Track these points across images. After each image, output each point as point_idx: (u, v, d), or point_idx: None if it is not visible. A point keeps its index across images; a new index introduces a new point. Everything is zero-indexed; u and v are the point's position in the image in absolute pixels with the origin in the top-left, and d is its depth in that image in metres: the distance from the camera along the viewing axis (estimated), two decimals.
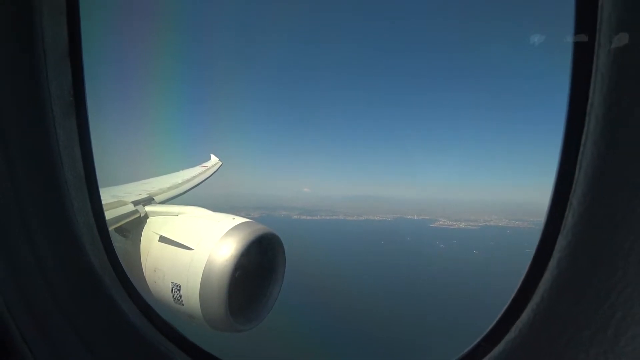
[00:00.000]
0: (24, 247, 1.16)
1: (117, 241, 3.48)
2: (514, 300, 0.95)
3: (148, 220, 3.67)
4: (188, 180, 7.23)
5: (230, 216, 3.39)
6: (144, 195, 4.60)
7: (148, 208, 3.88)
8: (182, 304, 3.02)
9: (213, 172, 9.08)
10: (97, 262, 1.33)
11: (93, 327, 1.30)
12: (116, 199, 3.93)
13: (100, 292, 1.32)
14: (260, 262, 3.26)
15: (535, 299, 0.88)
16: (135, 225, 3.58)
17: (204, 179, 8.06)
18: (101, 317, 1.33)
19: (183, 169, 8.70)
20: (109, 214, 3.25)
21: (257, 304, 3.31)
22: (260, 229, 3.20)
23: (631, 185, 0.71)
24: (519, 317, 0.92)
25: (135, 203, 3.91)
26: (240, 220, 3.29)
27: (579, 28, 0.78)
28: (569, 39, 0.82)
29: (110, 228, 3.02)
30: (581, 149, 0.76)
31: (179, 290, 3.02)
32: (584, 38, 0.77)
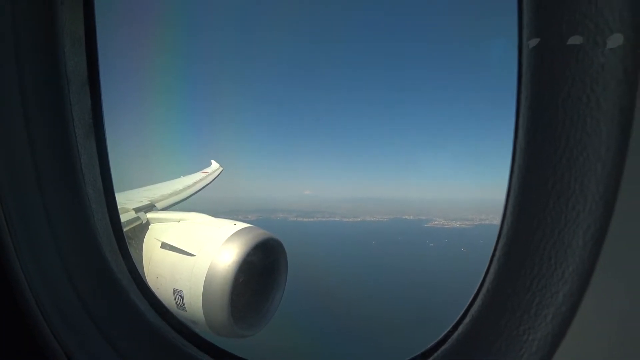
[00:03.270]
0: (53, 254, 1.25)
1: None
2: (475, 292, 1.13)
3: (150, 227, 3.59)
4: (189, 187, 7.14)
5: (232, 222, 3.32)
6: (145, 202, 4.51)
7: (149, 215, 3.80)
8: (184, 310, 2.94)
9: (214, 178, 9.00)
10: (115, 267, 1.42)
11: (114, 325, 1.38)
12: (118, 206, 3.84)
13: (119, 294, 1.40)
14: (262, 267, 3.19)
15: (484, 289, 1.07)
16: (137, 232, 3.49)
17: (204, 185, 7.98)
18: (121, 316, 1.41)
19: (184, 175, 8.61)
20: None
21: (259, 309, 3.24)
22: (261, 234, 3.13)
23: (542, 202, 0.91)
24: (473, 305, 1.11)
25: (137, 210, 3.82)
26: (241, 225, 3.22)
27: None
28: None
29: None
30: (512, 169, 0.95)
31: (181, 296, 2.94)
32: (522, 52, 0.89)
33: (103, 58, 1.33)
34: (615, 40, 0.76)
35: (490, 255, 1.07)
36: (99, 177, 1.41)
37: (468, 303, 1.14)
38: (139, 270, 3.16)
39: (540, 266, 0.95)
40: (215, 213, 3.70)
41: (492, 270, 1.04)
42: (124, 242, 1.56)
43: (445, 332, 1.21)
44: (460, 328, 1.14)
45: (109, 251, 1.42)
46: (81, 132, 1.27)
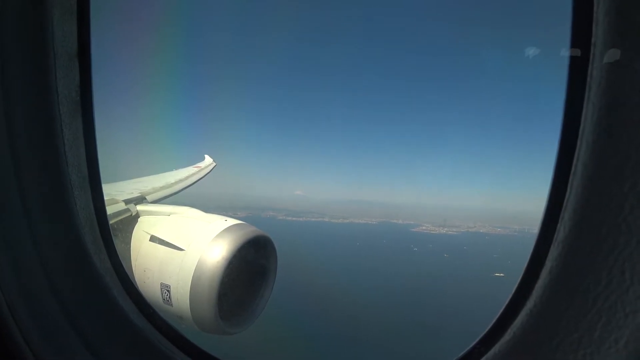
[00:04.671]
0: (27, 246, 1.13)
1: None
2: (509, 305, 0.98)
3: (139, 219, 3.51)
4: (181, 180, 7.01)
5: (223, 218, 3.26)
6: (135, 194, 4.41)
7: (140, 207, 3.71)
8: (171, 305, 2.87)
9: (206, 172, 8.87)
10: (98, 261, 1.30)
11: (94, 327, 1.27)
12: (107, 197, 3.74)
13: (101, 292, 1.29)
14: (251, 264, 3.13)
15: (529, 304, 0.92)
16: (126, 224, 3.41)
17: (197, 179, 7.85)
18: (102, 317, 1.30)
19: (176, 169, 8.47)
20: None
21: (247, 307, 3.19)
22: (252, 231, 3.08)
23: (615, 206, 0.77)
24: (514, 321, 0.95)
25: (127, 202, 3.73)
26: (232, 222, 3.16)
27: (574, 54, 0.82)
28: (564, 56, 0.84)
29: None
30: (572, 169, 0.81)
31: (168, 291, 2.87)
32: (577, 65, 0.80)
33: (96, 32, 1.22)
34: None
35: (527, 263, 0.94)
36: (84, 160, 1.27)
37: (500, 315, 1.00)
38: (127, 263, 3.08)
39: (609, 281, 0.80)
40: (205, 208, 3.64)
41: (540, 282, 0.89)
42: (108, 234, 1.42)
43: (471, 346, 1.07)
44: (498, 346, 0.99)
45: (91, 244, 1.29)
46: (66, 109, 1.15)
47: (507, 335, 0.97)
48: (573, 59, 0.82)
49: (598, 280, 0.81)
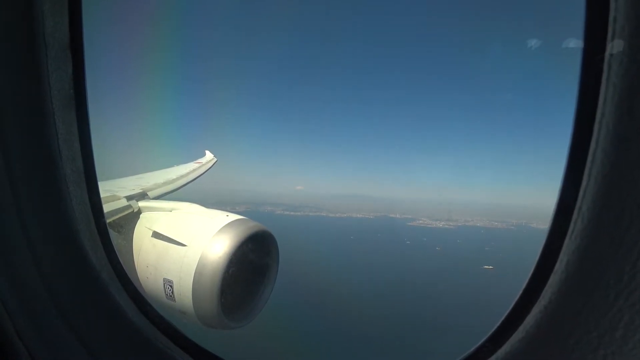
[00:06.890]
0: (21, 243, 1.09)
1: None
2: (520, 301, 0.92)
3: (141, 215, 3.46)
4: (182, 176, 6.95)
5: (224, 213, 3.22)
6: (137, 191, 4.34)
7: (141, 203, 3.66)
8: (174, 300, 2.84)
9: (207, 168, 8.79)
10: (94, 258, 1.25)
11: (90, 325, 1.23)
12: (109, 193, 3.68)
13: (97, 288, 1.25)
14: (253, 260, 3.10)
15: (543, 300, 0.85)
16: (128, 220, 3.36)
17: (198, 175, 7.77)
18: (98, 314, 1.27)
19: (177, 165, 8.38)
20: None
21: (249, 301, 3.16)
22: (254, 226, 3.04)
23: (639, 194, 0.70)
24: (526, 318, 0.89)
25: (129, 198, 3.68)
26: (234, 217, 3.13)
27: (590, 34, 0.76)
28: (578, 45, 0.78)
29: None
30: (590, 157, 0.74)
31: (171, 286, 2.84)
32: (594, 45, 0.74)
33: (90, 22, 1.16)
34: None
35: (538, 257, 0.86)
36: (79, 154, 1.21)
37: (510, 312, 0.93)
38: (129, 260, 3.04)
39: (632, 276, 0.73)
40: (204, 203, 3.60)
41: (555, 276, 0.82)
42: (105, 229, 1.37)
43: (479, 344, 1.01)
44: (509, 344, 0.92)
45: (87, 240, 1.23)
46: (59, 102, 1.10)
47: (520, 333, 0.90)
48: (590, 36, 0.75)
49: (620, 275, 0.74)
